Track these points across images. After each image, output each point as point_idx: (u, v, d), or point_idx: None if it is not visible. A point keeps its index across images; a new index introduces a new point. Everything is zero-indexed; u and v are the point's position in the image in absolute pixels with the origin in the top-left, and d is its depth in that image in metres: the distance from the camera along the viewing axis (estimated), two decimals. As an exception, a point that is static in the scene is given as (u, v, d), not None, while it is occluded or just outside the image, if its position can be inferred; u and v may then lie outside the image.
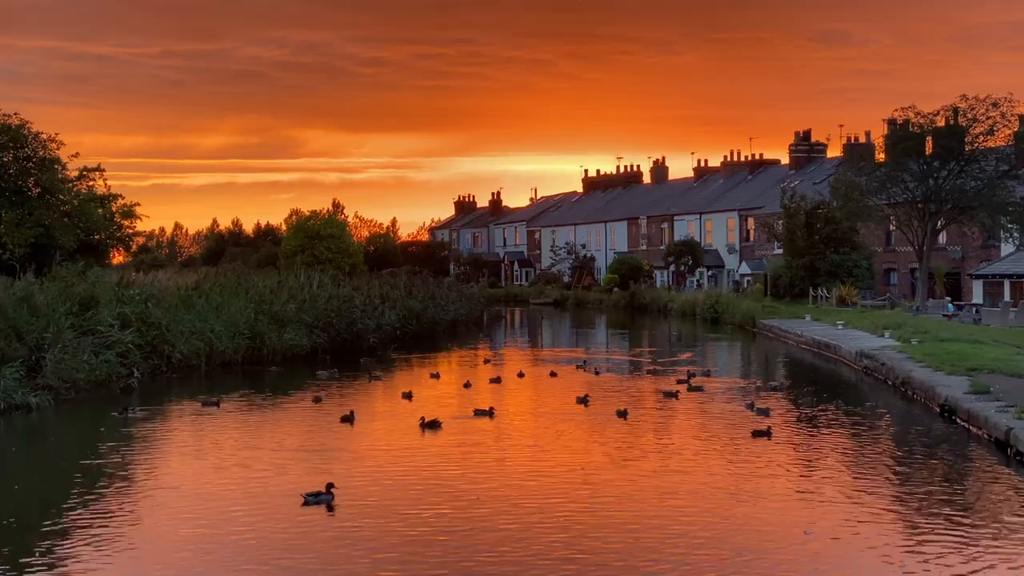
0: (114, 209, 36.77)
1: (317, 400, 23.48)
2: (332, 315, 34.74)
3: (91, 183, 34.97)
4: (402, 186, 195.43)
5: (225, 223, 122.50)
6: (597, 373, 28.70)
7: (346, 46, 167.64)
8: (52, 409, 22.36)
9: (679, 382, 25.57)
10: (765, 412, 20.41)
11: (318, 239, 59.79)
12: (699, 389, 24.38)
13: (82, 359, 24.54)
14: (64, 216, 32.13)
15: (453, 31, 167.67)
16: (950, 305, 43.94)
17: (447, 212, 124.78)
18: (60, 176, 32.74)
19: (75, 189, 33.83)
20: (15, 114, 32.47)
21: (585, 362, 30.89)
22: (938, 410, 20.26)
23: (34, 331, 24.45)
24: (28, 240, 30.12)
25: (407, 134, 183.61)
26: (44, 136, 32.11)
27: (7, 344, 23.38)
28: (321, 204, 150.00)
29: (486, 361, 32.95)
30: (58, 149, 32.94)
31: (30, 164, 32.04)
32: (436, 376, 28.29)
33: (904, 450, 17.39)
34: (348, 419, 20.43)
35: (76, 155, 33.84)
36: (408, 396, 23.90)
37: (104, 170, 35.41)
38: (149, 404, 23.58)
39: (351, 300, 36.19)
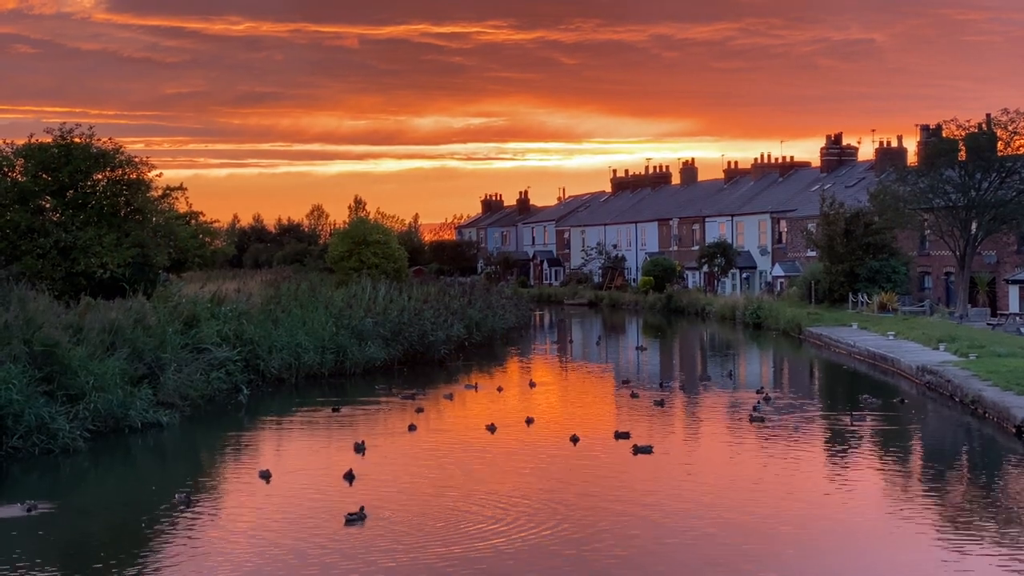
0: (193, 226, 38.49)
1: (419, 410, 25.50)
2: (405, 328, 36.18)
3: (174, 201, 36.60)
4: (420, 181, 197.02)
5: (246, 219, 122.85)
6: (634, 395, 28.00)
7: (362, 40, 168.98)
8: (178, 426, 23.99)
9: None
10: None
11: (364, 244, 61.09)
12: (760, 420, 23.57)
13: (196, 376, 26.15)
14: (154, 235, 33.72)
15: (477, 27, 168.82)
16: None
17: (464, 209, 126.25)
18: (149, 195, 34.31)
19: (160, 208, 35.41)
20: (110, 139, 34.08)
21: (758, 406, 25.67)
22: (1014, 431, 21.67)
23: (150, 350, 26.01)
24: (127, 259, 31.68)
25: (426, 129, 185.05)
26: (136, 159, 33.75)
27: (130, 364, 24.91)
28: (337, 200, 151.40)
29: (531, 385, 31.18)
30: (149, 171, 34.56)
31: (122, 185, 33.62)
32: (533, 385, 30.91)
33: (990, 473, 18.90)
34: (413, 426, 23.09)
35: (160, 174, 35.37)
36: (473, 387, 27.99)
37: (186, 188, 36.99)
38: (262, 415, 25.79)
39: (421, 313, 37.69)
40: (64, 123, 33.70)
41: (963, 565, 13.33)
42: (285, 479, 18.43)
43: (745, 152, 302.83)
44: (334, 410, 26.03)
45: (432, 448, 21.51)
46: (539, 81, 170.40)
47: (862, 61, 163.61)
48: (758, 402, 26.14)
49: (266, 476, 18.32)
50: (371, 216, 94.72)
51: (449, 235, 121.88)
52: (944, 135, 49.78)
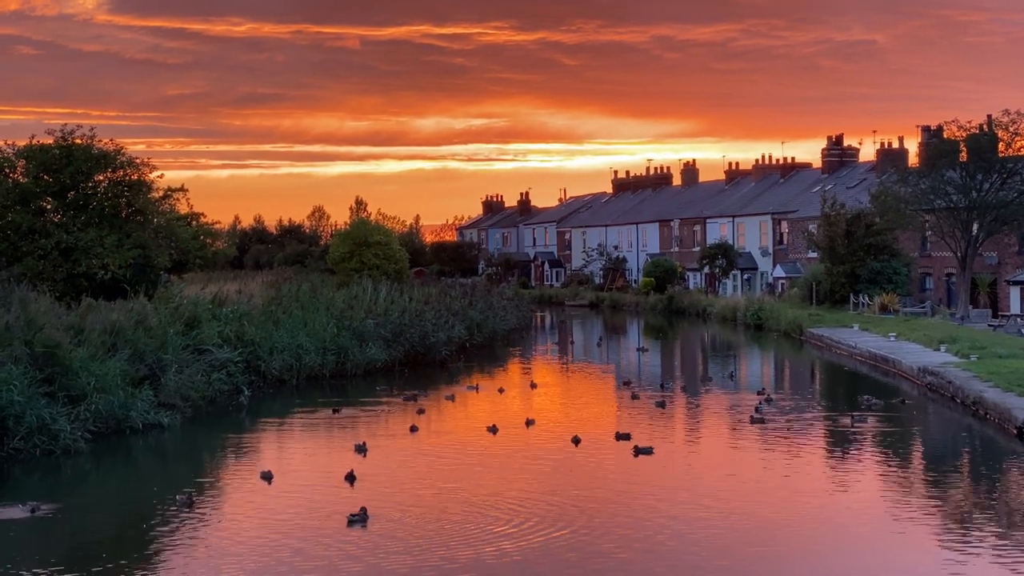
0: (195, 227, 38.56)
1: (420, 412, 25.49)
2: (406, 329, 36.16)
3: (175, 202, 36.64)
4: (421, 182, 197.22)
5: (247, 220, 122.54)
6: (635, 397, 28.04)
7: (363, 41, 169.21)
8: (179, 427, 23.99)
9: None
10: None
11: (366, 246, 61.09)
12: (761, 421, 23.72)
13: (197, 377, 26.14)
14: (156, 236, 33.76)
15: (478, 28, 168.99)
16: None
17: (465, 210, 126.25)
18: (150, 197, 34.33)
19: (161, 209, 35.44)
20: (111, 140, 34.14)
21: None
22: (1015, 432, 21.66)
23: (151, 351, 25.99)
24: (128, 261, 31.71)
25: (428, 130, 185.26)
26: (138, 160, 33.80)
27: (131, 365, 24.89)
28: (339, 201, 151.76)
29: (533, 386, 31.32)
30: (150, 173, 34.60)
31: (123, 186, 33.65)
32: (534, 386, 31.10)
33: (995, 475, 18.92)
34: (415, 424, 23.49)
35: (161, 175, 35.37)
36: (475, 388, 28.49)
37: (188, 190, 37.02)
38: (263, 417, 25.89)
39: (422, 315, 37.70)
40: (65, 124, 33.83)
41: (964, 566, 13.34)
42: (286, 480, 18.45)
43: (746, 153, 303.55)
44: (335, 411, 26.12)
45: (433, 449, 21.54)
46: (540, 82, 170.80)
47: (864, 62, 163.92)
48: (759, 403, 26.16)
49: (268, 477, 18.34)
50: (372, 217, 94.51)
51: (450, 236, 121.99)
52: (945, 136, 49.86)
